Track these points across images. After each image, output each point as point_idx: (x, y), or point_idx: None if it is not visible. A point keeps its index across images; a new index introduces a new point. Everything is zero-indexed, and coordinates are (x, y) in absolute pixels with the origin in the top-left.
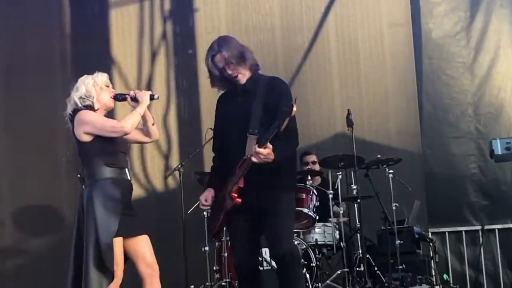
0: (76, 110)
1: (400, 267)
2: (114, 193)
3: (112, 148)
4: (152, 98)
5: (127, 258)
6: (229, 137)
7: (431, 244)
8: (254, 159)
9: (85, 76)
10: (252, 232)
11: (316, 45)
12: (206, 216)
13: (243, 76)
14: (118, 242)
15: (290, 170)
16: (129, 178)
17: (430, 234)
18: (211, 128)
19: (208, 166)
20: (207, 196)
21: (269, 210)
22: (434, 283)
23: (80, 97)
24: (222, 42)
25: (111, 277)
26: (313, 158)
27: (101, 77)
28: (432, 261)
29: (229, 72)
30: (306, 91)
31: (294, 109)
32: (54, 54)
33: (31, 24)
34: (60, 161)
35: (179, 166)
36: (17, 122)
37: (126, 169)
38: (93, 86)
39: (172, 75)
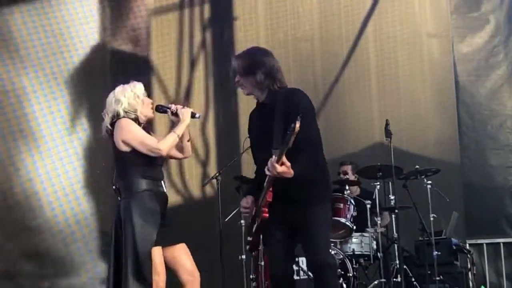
0: (117, 117)
1: (438, 278)
2: (152, 205)
3: (150, 160)
4: (193, 116)
5: (167, 267)
6: (257, 155)
7: (468, 255)
8: (268, 173)
9: (122, 88)
10: (286, 242)
11: (355, 55)
12: (243, 224)
13: (262, 93)
14: (157, 251)
15: (322, 181)
16: (164, 190)
17: (467, 245)
18: (248, 137)
19: (246, 173)
20: (247, 201)
21: (303, 223)
22: None
23: (124, 110)
24: (236, 59)
25: (150, 287)
26: (345, 168)
27: (140, 88)
28: (469, 273)
29: (245, 91)
30: (344, 101)
31: (297, 126)
32: (95, 62)
33: (72, 30)
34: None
35: (217, 174)
36: (52, 129)
37: (162, 182)
38: (134, 99)
39: (210, 83)
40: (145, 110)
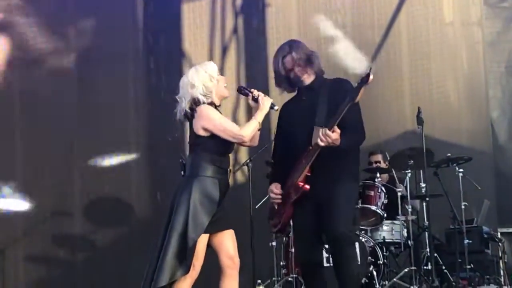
0: (195, 104)
1: (468, 266)
2: (213, 193)
3: (224, 149)
4: (272, 107)
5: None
6: (295, 137)
7: (500, 244)
8: (320, 142)
9: (195, 69)
10: (316, 227)
11: (387, 43)
12: None
13: (308, 77)
14: (203, 237)
15: (355, 162)
16: (228, 179)
17: (499, 234)
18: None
19: None
20: (276, 187)
21: (329, 197)
22: (503, 283)
23: (201, 94)
24: (293, 44)
25: (187, 269)
26: (377, 158)
27: (212, 67)
28: (500, 261)
29: (296, 73)
30: (376, 88)
31: (371, 77)
32: (127, 48)
33: (104, 18)
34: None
35: (248, 161)
36: (91, 115)
37: (228, 170)
38: (210, 80)
39: (242, 70)
40: (220, 90)
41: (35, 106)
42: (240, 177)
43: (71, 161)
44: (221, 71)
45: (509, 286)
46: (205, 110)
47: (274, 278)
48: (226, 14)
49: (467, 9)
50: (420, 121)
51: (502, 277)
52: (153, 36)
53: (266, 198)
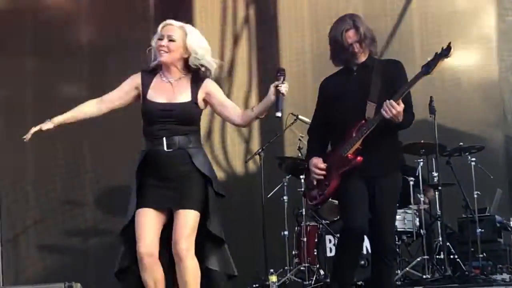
0: None
1: (481, 255)
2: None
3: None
4: (277, 110)
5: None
6: (343, 111)
7: None
8: (385, 114)
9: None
10: (364, 193)
11: (399, 32)
12: (285, 200)
13: (363, 55)
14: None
15: (400, 146)
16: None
17: (511, 223)
18: (292, 113)
19: (288, 151)
20: (320, 162)
21: (382, 188)
22: None
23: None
24: (357, 19)
25: None
26: None
27: None
28: None
29: (356, 50)
30: None
31: (452, 50)
32: (137, 37)
33: (115, 8)
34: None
35: (260, 150)
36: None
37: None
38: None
39: (254, 59)
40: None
41: (47, 92)
42: (252, 166)
43: (83, 150)
44: (233, 60)
45: None
46: None
47: (286, 267)
48: (238, 3)
49: None
50: (432, 110)
51: None
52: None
53: (278, 187)
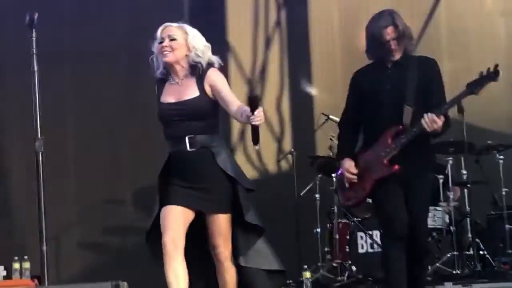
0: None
1: (510, 251)
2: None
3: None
4: (255, 143)
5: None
6: (377, 108)
7: None
8: (426, 127)
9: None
10: (402, 198)
11: (426, 33)
12: (318, 199)
13: (399, 52)
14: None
15: (432, 146)
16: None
17: None
18: (323, 113)
19: (320, 150)
20: (351, 166)
21: (415, 190)
22: None
23: None
24: (396, 16)
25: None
26: None
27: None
28: None
29: (394, 47)
30: None
31: (501, 74)
32: None
33: (150, 11)
34: None
35: (292, 150)
36: (129, 103)
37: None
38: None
39: (285, 62)
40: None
41: (86, 93)
42: (284, 165)
43: (122, 150)
44: (265, 62)
45: None
46: None
47: (319, 264)
48: (270, 7)
49: None
50: (460, 109)
51: None
52: (197, 28)
53: (310, 185)
